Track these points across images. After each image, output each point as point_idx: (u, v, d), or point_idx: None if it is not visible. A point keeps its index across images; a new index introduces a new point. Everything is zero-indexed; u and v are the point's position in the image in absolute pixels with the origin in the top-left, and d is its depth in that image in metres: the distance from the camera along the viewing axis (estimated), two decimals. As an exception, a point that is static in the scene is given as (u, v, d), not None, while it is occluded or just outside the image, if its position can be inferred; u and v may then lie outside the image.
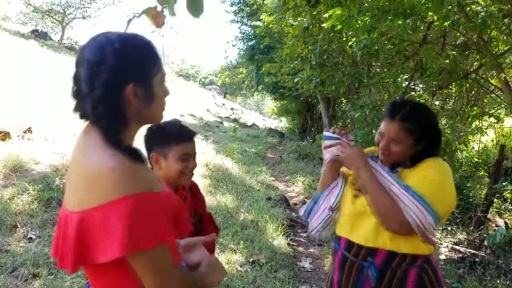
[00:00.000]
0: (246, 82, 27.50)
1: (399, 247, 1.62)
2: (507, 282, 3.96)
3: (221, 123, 21.10)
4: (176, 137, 1.70)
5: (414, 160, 1.72)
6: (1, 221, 3.63)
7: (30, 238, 3.52)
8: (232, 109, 34.31)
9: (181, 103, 20.33)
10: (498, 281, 3.98)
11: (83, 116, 1.14)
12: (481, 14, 4.87)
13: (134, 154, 1.09)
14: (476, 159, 7.93)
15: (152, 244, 1.02)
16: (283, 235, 4.85)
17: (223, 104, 35.21)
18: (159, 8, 1.69)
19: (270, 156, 13.38)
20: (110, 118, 1.09)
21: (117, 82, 1.09)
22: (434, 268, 1.69)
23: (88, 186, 1.02)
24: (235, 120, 25.46)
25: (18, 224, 3.64)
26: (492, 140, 8.75)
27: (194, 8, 1.64)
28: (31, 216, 3.86)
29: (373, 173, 1.66)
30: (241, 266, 3.86)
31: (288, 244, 4.76)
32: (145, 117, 1.20)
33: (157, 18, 1.68)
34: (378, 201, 1.62)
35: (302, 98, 18.17)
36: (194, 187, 1.97)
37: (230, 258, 3.92)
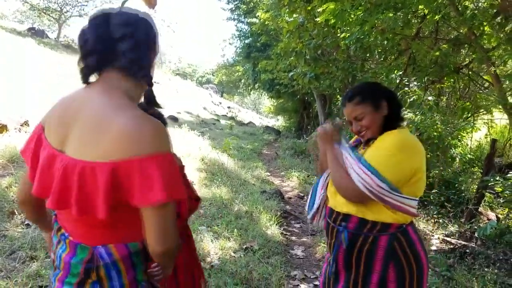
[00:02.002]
0: (243, 80, 27.52)
1: (365, 215, 1.77)
2: (496, 271, 4.04)
3: (218, 120, 21.15)
4: None
5: (383, 128, 1.87)
6: (-1, 208, 3.70)
7: (28, 224, 3.58)
8: (229, 107, 34.36)
9: (178, 101, 20.38)
10: (486, 270, 4.06)
11: (87, 76, 1.26)
12: (471, 8, 4.96)
13: (162, 119, 1.30)
14: (469, 156, 8.02)
15: (176, 196, 1.16)
16: (276, 225, 4.92)
17: (220, 103, 35.25)
18: (152, -11, 1.76)
19: (266, 152, 13.45)
20: (150, 80, 1.29)
21: (154, 51, 1.33)
22: (412, 239, 1.77)
23: (126, 139, 1.11)
24: (231, 118, 25.53)
25: (15, 211, 3.71)
26: (486, 136, 8.84)
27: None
28: (28, 204, 3.92)
29: (334, 150, 1.90)
30: (234, 252, 3.93)
31: (282, 233, 4.83)
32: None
33: None
34: (334, 173, 1.85)
35: (298, 96, 18.25)
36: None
37: (224, 245, 3.99)
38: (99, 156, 1.11)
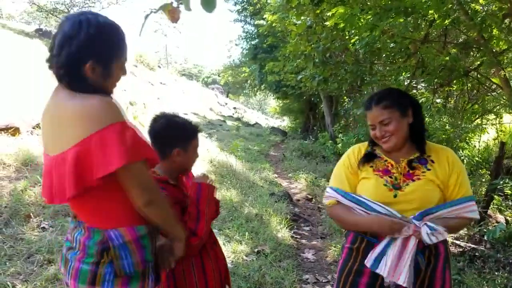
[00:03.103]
0: (249, 81, 27.58)
1: None
2: (506, 274, 4.04)
3: (224, 121, 21.18)
4: (192, 132, 1.94)
5: (416, 142, 1.86)
6: (15, 212, 3.76)
7: (43, 227, 3.64)
8: (234, 108, 34.37)
9: (184, 102, 20.45)
10: (497, 274, 4.07)
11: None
12: (481, 13, 4.97)
13: (103, 93, 1.38)
14: (478, 158, 8.00)
15: (140, 156, 1.33)
16: (286, 228, 4.96)
17: (226, 103, 35.27)
18: (175, 4, 1.81)
19: (273, 154, 13.48)
20: (70, 78, 1.36)
21: (78, 58, 1.35)
22: (446, 240, 1.88)
23: (78, 122, 1.27)
24: (238, 119, 25.54)
25: (31, 214, 3.77)
26: (494, 139, 8.82)
27: (208, 4, 1.76)
28: (43, 207, 3.98)
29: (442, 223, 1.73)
30: (246, 256, 3.97)
31: (292, 236, 4.87)
32: (102, 88, 1.41)
33: (173, 14, 1.80)
34: (456, 229, 1.93)
35: (304, 97, 18.25)
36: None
37: (236, 249, 4.04)
38: (65, 145, 1.28)
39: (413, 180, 1.80)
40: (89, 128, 1.25)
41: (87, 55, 1.35)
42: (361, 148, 2.01)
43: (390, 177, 1.84)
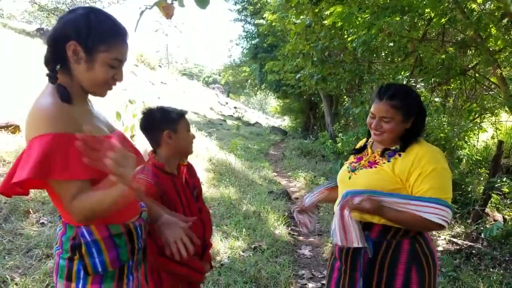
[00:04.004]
0: (249, 81, 27.60)
1: (388, 221, 1.78)
2: (501, 271, 4.07)
3: (224, 121, 21.21)
4: (179, 113, 1.98)
5: (404, 140, 1.85)
6: (15, 207, 3.79)
7: (42, 223, 3.68)
8: (235, 107, 34.43)
9: (185, 101, 20.46)
10: (492, 271, 4.10)
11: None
12: (478, 12, 5.00)
13: (62, 92, 1.31)
14: (476, 157, 8.02)
15: (61, 177, 1.24)
16: (284, 225, 5.00)
17: (226, 103, 35.31)
18: (169, 0, 1.84)
19: (273, 153, 13.52)
20: (53, 65, 1.33)
21: (63, 34, 1.30)
22: (426, 239, 1.84)
23: (26, 124, 1.27)
24: (238, 119, 25.59)
25: (30, 210, 3.81)
26: (493, 137, 8.84)
27: (201, 0, 1.80)
28: (42, 203, 4.02)
29: (389, 210, 1.74)
30: (243, 252, 4.01)
31: (289, 233, 4.90)
32: (86, 84, 1.37)
33: (167, 10, 1.83)
34: (407, 224, 1.77)
35: (305, 97, 18.28)
36: (190, 166, 2.21)
37: (233, 244, 4.07)
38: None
39: (370, 167, 1.87)
40: (30, 132, 1.25)
41: (72, 32, 1.30)
42: (360, 143, 2.16)
43: (356, 162, 1.97)
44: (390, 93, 1.80)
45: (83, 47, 1.31)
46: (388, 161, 1.82)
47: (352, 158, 2.05)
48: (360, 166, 1.92)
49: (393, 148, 1.87)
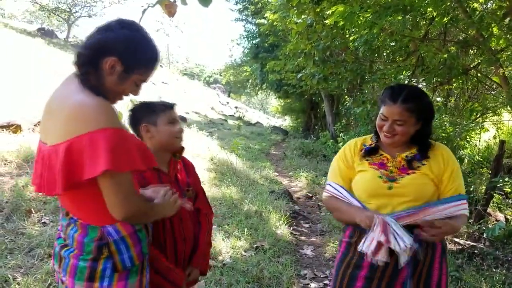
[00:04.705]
0: (250, 81, 27.59)
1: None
2: (504, 271, 4.06)
3: (226, 120, 21.23)
4: (161, 106, 1.92)
5: (420, 143, 1.87)
6: (17, 207, 3.79)
7: (44, 222, 3.68)
8: (236, 107, 34.47)
9: (186, 101, 20.48)
10: (495, 271, 4.09)
11: None
12: (480, 11, 4.99)
13: (101, 93, 1.36)
14: (478, 157, 8.01)
15: (128, 167, 1.31)
16: (286, 224, 4.98)
17: (227, 103, 35.35)
18: (171, -2, 1.84)
19: (274, 152, 13.51)
20: (87, 66, 1.35)
21: (105, 47, 1.35)
22: None
23: (74, 118, 1.26)
24: (239, 118, 25.61)
25: (32, 209, 3.80)
26: (494, 137, 8.83)
27: (204, -2, 1.80)
28: (44, 203, 4.02)
29: (452, 222, 1.76)
30: (245, 251, 4.00)
31: (291, 233, 4.89)
32: (109, 92, 1.41)
33: (169, 8, 1.84)
34: (463, 223, 1.86)
35: (306, 97, 18.29)
36: (188, 165, 2.13)
37: (235, 244, 4.06)
38: (58, 138, 1.28)
39: (408, 174, 1.83)
40: (83, 127, 1.24)
41: (115, 50, 1.35)
42: (357, 142, 2.03)
43: (386, 170, 1.87)
44: (404, 96, 1.77)
45: (123, 65, 1.37)
46: (423, 164, 1.85)
47: (366, 164, 1.93)
48: (397, 173, 1.85)
49: (413, 151, 1.88)
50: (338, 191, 1.95)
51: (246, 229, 4.48)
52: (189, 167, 2.13)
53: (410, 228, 1.73)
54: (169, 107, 1.93)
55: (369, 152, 1.95)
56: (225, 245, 4.02)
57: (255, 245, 4.16)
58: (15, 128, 5.93)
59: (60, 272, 1.45)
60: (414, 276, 1.81)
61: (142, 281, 1.49)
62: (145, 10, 1.83)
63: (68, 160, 1.25)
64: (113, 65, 1.35)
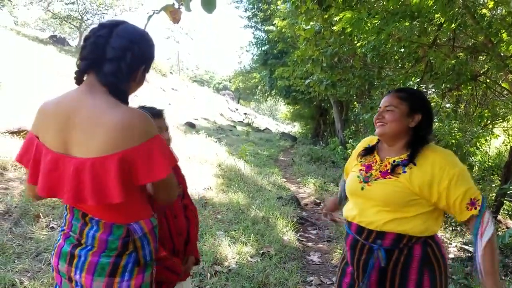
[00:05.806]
0: (259, 87, 27.68)
1: (407, 231, 1.73)
2: (514, 280, 4.01)
3: (234, 127, 21.28)
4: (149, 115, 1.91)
5: (413, 146, 1.79)
6: (25, 212, 3.84)
7: (52, 227, 3.71)
8: (245, 114, 34.54)
9: (195, 108, 20.58)
10: (504, 278, 4.04)
11: (80, 78, 1.47)
12: (488, 17, 4.96)
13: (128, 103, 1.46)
14: (488, 164, 7.93)
15: (173, 165, 1.45)
16: (292, 231, 4.97)
17: (237, 109, 35.46)
18: (176, 5, 1.86)
19: (282, 159, 13.50)
20: (123, 83, 1.43)
21: (140, 61, 1.47)
22: (437, 242, 1.80)
23: (125, 132, 1.32)
24: (248, 124, 25.66)
25: (40, 214, 3.84)
26: (505, 144, 8.74)
27: (207, 5, 1.81)
28: (52, 208, 4.06)
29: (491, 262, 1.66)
30: (251, 257, 3.99)
31: (298, 239, 4.87)
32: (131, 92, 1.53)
33: (174, 15, 1.85)
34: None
35: (315, 103, 18.29)
36: (175, 167, 2.14)
37: (241, 250, 4.06)
38: (105, 150, 1.31)
39: (384, 178, 1.79)
40: (136, 139, 1.33)
41: (145, 60, 1.49)
42: (365, 142, 2.07)
43: (368, 172, 1.88)
44: (397, 89, 1.89)
45: (147, 69, 1.54)
46: (404, 172, 1.75)
47: (359, 165, 1.96)
48: (373, 176, 1.83)
49: (402, 157, 1.80)
50: (340, 184, 2.26)
51: (252, 235, 4.47)
52: (176, 169, 2.15)
53: (377, 239, 1.78)
54: (157, 115, 1.96)
55: (366, 153, 1.98)
56: (231, 251, 4.02)
57: (262, 251, 4.15)
58: (26, 134, 5.99)
59: (70, 271, 1.45)
60: (385, 284, 1.80)
61: (153, 273, 1.57)
62: (150, 16, 1.85)
63: (123, 171, 1.33)
64: (142, 73, 1.51)
